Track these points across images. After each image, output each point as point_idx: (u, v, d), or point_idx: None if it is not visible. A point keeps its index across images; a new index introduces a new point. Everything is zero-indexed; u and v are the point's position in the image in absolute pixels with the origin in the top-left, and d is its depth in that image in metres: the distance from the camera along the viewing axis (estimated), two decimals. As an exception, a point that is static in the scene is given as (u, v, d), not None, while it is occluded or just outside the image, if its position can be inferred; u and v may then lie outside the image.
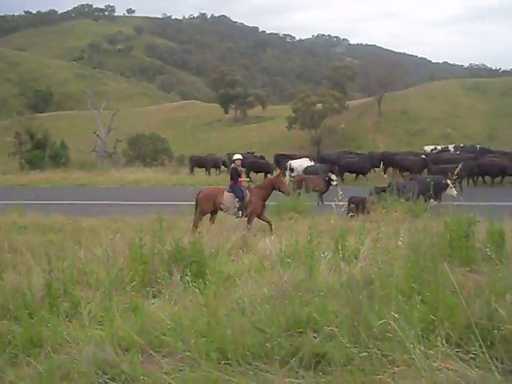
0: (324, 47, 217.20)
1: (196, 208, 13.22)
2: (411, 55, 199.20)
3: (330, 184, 20.14)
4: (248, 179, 16.53)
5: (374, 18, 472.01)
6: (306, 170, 25.66)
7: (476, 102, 68.46)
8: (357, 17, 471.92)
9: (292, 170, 27.47)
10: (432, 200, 14.48)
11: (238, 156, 14.25)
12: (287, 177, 26.10)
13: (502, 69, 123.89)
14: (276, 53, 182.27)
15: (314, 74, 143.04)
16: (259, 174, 30.06)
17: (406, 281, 4.89)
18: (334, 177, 20.90)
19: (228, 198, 13.05)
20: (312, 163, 27.75)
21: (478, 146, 39.62)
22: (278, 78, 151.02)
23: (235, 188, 13.16)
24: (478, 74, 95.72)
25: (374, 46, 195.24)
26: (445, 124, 60.66)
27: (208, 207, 13.08)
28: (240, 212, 12.87)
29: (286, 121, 57.71)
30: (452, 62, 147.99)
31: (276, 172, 26.32)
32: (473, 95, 70.49)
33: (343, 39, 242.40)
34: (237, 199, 12.95)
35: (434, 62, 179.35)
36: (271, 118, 70.60)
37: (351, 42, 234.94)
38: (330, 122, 57.22)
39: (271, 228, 12.20)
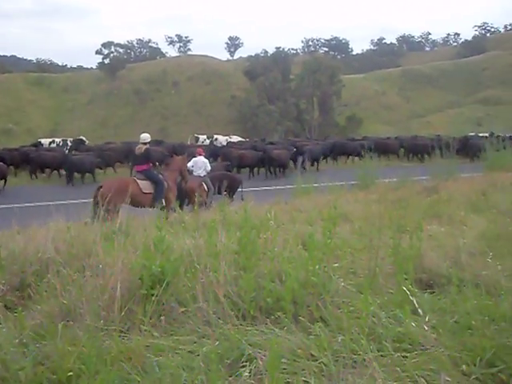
0: None
1: (97, 205, 9.53)
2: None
3: None
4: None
5: None
6: None
7: (40, 97, 70.55)
8: None
9: None
10: None
11: (148, 136, 11.42)
12: None
13: (69, 65, 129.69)
14: None
15: None
16: None
17: None
18: None
19: (146, 186, 10.68)
20: None
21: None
22: None
23: (150, 173, 11.00)
24: (46, 69, 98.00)
25: None
26: (7, 119, 60.69)
27: (118, 201, 9.66)
28: (162, 201, 10.75)
29: None
30: (21, 56, 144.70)
31: None
32: (37, 90, 72.30)
33: None
34: (155, 186, 10.75)
35: (1, 55, 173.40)
36: None
37: None
38: None
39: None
